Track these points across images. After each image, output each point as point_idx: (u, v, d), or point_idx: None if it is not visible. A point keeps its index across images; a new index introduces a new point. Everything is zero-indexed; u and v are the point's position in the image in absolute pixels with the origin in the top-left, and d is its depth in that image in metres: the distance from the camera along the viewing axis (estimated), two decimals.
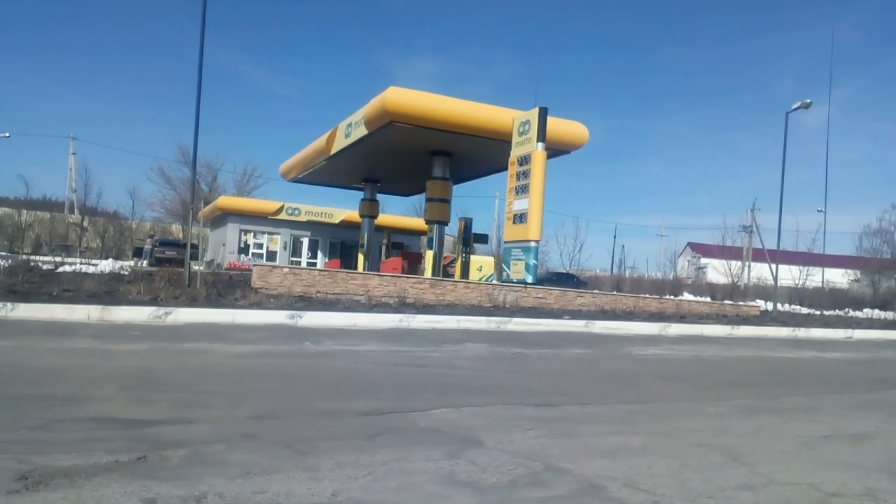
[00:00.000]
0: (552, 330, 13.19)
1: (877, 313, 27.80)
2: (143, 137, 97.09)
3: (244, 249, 38.53)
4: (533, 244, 17.72)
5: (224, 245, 38.72)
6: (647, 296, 19.66)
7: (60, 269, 13.90)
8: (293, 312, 10.70)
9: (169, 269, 13.98)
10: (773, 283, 53.68)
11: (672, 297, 21.77)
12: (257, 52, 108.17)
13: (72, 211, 54.18)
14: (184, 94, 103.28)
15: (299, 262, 38.69)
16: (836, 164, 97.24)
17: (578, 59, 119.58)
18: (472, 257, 24.93)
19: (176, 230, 54.84)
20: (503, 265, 19.08)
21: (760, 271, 58.95)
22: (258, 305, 11.06)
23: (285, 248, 39.18)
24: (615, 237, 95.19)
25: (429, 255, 24.01)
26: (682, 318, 16.80)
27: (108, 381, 5.47)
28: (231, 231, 38.13)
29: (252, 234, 38.81)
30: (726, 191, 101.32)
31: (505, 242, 19.14)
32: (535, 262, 17.67)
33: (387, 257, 33.68)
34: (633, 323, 14.68)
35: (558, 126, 21.08)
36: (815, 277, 51.69)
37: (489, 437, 4.49)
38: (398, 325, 11.69)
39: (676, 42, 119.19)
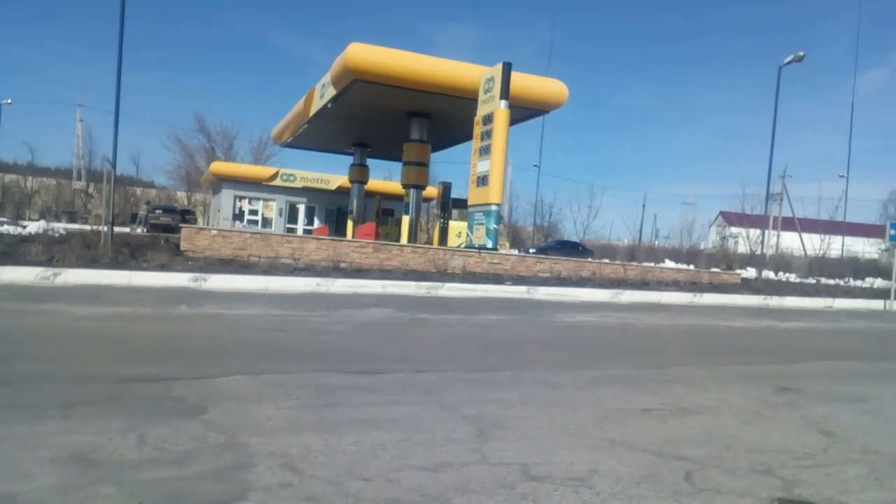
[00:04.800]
0: (487, 296, 12.64)
1: (879, 282, 26.63)
2: (153, 104, 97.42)
3: (239, 216, 38.32)
4: (494, 208, 17.07)
5: (219, 211, 38.59)
6: (616, 262, 18.90)
7: None
8: (198, 275, 10.30)
9: (92, 229, 13.71)
10: (796, 251, 52.29)
11: (653, 263, 20.95)
12: (288, 18, 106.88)
13: (79, 178, 54.71)
14: (199, 60, 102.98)
15: (295, 229, 38.44)
16: (882, 131, 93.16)
17: (620, 23, 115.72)
18: (452, 223, 24.29)
19: (181, 197, 55.13)
20: (468, 230, 18.47)
21: (790, 241, 57.37)
22: (165, 268, 10.68)
23: (280, 214, 38.87)
24: (644, 206, 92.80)
25: (405, 221, 23.50)
26: (644, 284, 16.07)
27: None
28: (225, 197, 37.90)
29: (247, 200, 38.55)
30: (781, 157, 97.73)
31: (469, 206, 18.50)
32: (495, 226, 17.02)
33: (378, 224, 33.16)
34: (584, 290, 14.03)
35: (534, 83, 20.23)
36: (845, 246, 50.00)
37: (230, 407, 4.02)
38: (314, 290, 11.24)
39: (722, 3, 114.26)
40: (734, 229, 68.03)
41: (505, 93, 17.15)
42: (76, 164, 56.29)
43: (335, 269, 13.04)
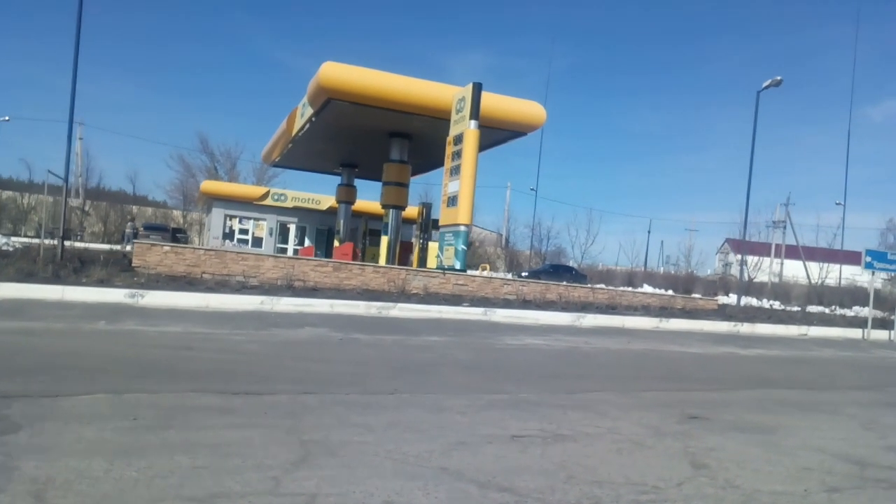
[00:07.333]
0: (440, 317, 12.37)
1: (866, 311, 26.14)
2: (159, 125, 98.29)
3: (229, 235, 38.25)
4: (462, 228, 16.86)
5: (209, 230, 38.56)
6: (584, 286, 18.63)
7: None
8: (135, 291, 10.10)
9: (41, 243, 13.62)
10: (801, 280, 51.65)
11: (628, 288, 20.64)
12: (302, 41, 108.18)
13: (76, 195, 54.94)
14: (206, 81, 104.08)
15: (286, 249, 38.31)
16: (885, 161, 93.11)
17: (632, 51, 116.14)
18: (431, 244, 24.07)
19: (177, 215, 55.22)
20: (439, 251, 18.26)
21: (793, 269, 56.82)
22: (104, 283, 10.50)
23: (271, 234, 38.76)
24: (649, 232, 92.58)
25: (384, 241, 23.33)
26: (612, 309, 15.77)
27: None
28: (216, 216, 37.88)
29: (237, 219, 38.49)
30: (783, 186, 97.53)
31: (440, 227, 18.31)
32: (464, 247, 16.80)
33: (363, 244, 33.00)
34: (545, 313, 13.74)
35: (509, 105, 20.13)
36: (846, 275, 49.31)
37: (50, 427, 3.82)
38: (257, 308, 11.02)
39: (736, 32, 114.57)
40: (739, 256, 67.48)
41: (475, 113, 17.02)
42: (74, 182, 56.65)
43: (287, 288, 12.81)
